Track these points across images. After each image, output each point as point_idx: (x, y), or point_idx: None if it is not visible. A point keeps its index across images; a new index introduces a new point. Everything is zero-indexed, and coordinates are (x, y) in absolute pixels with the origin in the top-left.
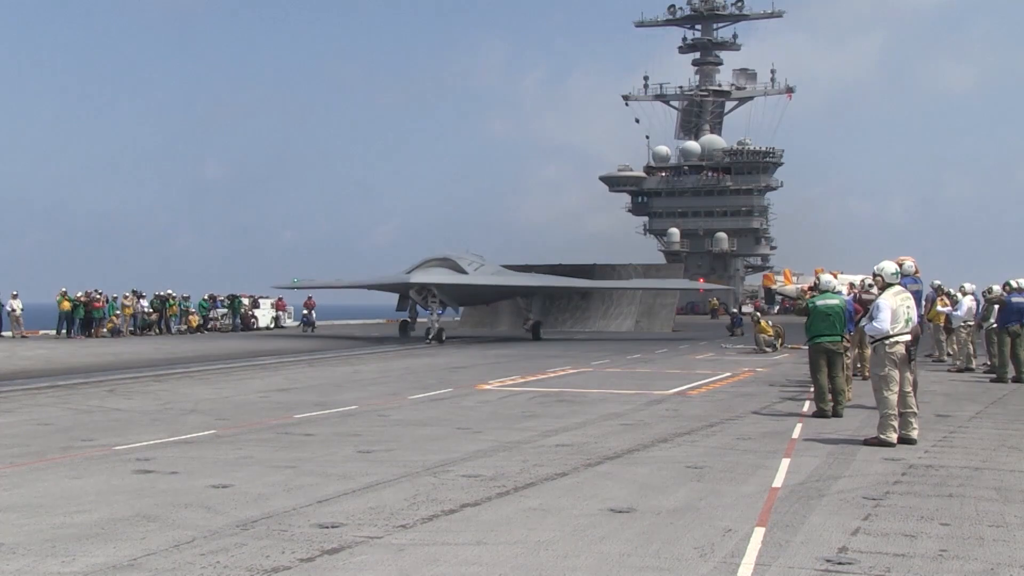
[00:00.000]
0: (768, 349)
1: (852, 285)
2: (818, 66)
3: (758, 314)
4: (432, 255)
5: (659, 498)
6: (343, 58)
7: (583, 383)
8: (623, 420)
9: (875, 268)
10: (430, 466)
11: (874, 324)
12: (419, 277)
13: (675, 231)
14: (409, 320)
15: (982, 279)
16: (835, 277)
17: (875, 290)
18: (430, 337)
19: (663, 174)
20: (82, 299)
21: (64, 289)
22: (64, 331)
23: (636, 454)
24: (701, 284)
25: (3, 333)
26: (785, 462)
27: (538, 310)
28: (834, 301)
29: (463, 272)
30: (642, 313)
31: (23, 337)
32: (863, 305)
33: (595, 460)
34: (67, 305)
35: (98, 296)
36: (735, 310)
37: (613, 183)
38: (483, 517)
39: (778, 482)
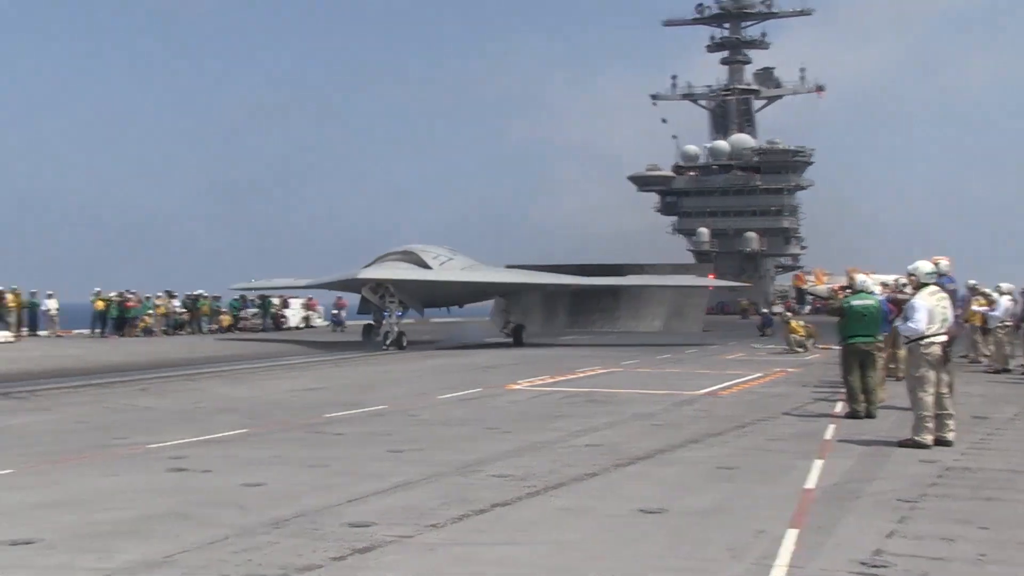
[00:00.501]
0: (799, 349)
1: (885, 285)
2: (850, 64)
3: (789, 314)
4: (394, 248)
5: (690, 499)
6: (370, 58)
7: (613, 383)
8: (653, 420)
9: (909, 268)
10: (460, 466)
11: (909, 324)
12: (371, 273)
13: (704, 231)
14: (374, 323)
15: (1019, 279)
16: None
17: (909, 290)
18: (388, 342)
19: (692, 174)
20: (116, 299)
21: (98, 289)
22: (98, 330)
23: (666, 455)
24: (711, 281)
25: (40, 332)
26: (818, 463)
27: (520, 311)
28: (869, 301)
29: (426, 267)
30: (672, 313)
31: (59, 336)
32: (897, 305)
33: (625, 460)
34: (101, 305)
35: (131, 296)
36: (766, 310)
37: (642, 183)
38: (513, 517)
39: (811, 483)
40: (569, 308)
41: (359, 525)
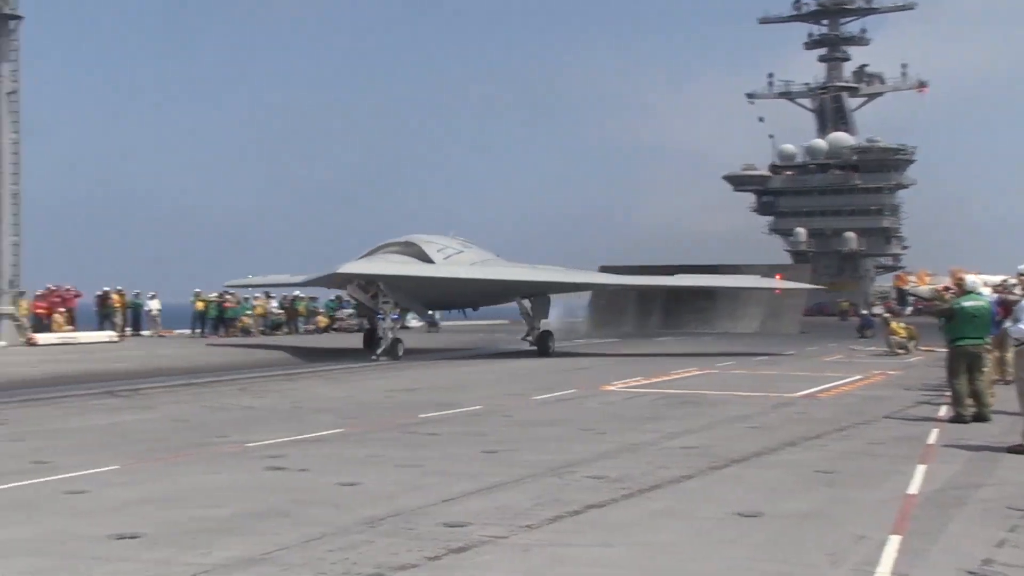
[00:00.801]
0: (900, 351)
1: (997, 287)
2: (955, 59)
3: (889, 315)
4: (394, 239)
5: (787, 503)
6: (461, 60)
7: (708, 385)
8: (749, 423)
9: (1020, 268)
10: (555, 467)
11: (1020, 326)
12: (356, 267)
13: (801, 231)
14: (375, 328)
15: None
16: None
17: (1019, 290)
18: (379, 351)
19: (789, 173)
20: (215, 300)
21: (198, 290)
22: (199, 330)
23: (763, 457)
24: (778, 283)
25: (143, 332)
26: (921, 468)
27: (545, 315)
28: (980, 302)
29: (428, 261)
30: (768, 314)
31: (161, 336)
32: (1005, 306)
33: (721, 463)
34: (201, 305)
35: (230, 297)
36: (865, 311)
37: (738, 182)
38: (608, 519)
39: (913, 489)
40: (664, 309)
41: (454, 525)
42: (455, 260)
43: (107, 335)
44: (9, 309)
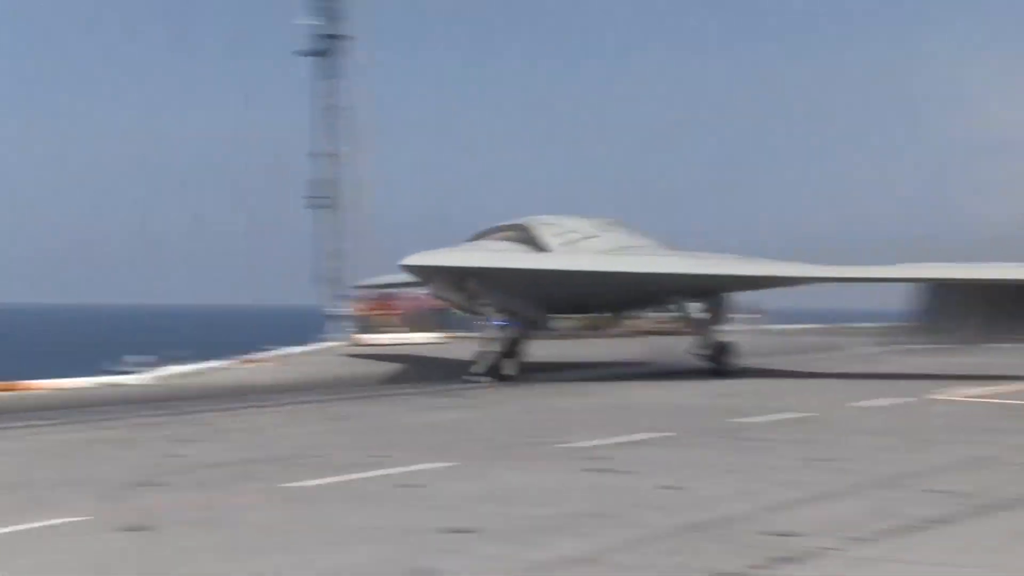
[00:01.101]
0: None
1: None
2: None
3: None
4: (506, 222)
5: None
6: (789, 59)
7: None
8: None
9: None
10: (886, 477)
11: None
12: (425, 258)
13: None
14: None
15: None
16: None
17: None
18: (474, 370)
19: None
20: None
21: None
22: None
23: None
24: None
25: (466, 335)
26: None
27: (722, 320)
28: None
29: (543, 250)
30: None
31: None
32: None
33: None
34: None
35: None
36: None
37: None
38: (951, 535)
39: None
40: (1007, 314)
41: (780, 534)
42: (580, 248)
43: (435, 336)
44: (342, 310)
